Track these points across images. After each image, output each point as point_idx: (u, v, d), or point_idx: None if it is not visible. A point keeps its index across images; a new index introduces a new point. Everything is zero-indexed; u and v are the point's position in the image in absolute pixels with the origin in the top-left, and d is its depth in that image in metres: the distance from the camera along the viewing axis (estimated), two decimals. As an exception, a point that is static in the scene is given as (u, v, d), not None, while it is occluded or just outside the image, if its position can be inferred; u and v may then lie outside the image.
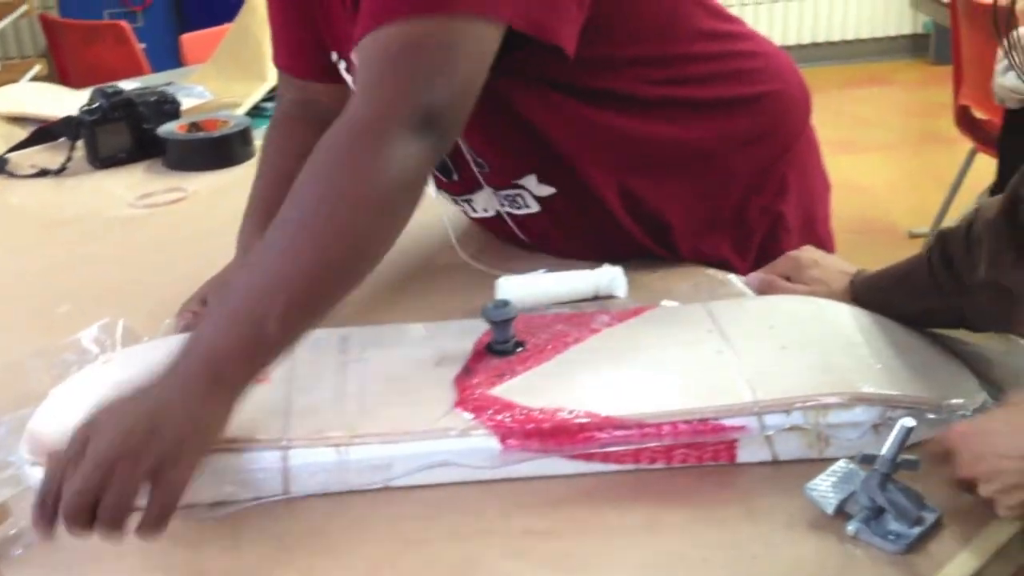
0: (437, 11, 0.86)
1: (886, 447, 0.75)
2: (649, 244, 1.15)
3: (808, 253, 1.06)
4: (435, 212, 1.16)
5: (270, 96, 2.21)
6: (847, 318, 0.96)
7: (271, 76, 2.23)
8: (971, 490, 0.76)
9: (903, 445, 0.74)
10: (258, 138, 1.62)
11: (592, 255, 1.14)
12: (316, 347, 0.93)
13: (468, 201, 1.18)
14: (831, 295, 1.00)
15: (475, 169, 1.12)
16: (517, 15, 0.89)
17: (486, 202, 1.17)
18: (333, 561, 0.76)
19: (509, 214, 1.16)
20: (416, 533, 0.79)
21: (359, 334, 0.97)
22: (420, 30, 0.86)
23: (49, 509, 0.72)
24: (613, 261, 1.12)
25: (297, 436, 0.82)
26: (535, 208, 1.13)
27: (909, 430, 0.74)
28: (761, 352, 0.90)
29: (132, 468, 0.71)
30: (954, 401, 0.84)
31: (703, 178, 1.13)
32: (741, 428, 0.83)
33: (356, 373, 0.90)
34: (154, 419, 0.73)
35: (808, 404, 0.83)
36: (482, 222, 1.22)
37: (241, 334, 0.77)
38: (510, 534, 0.78)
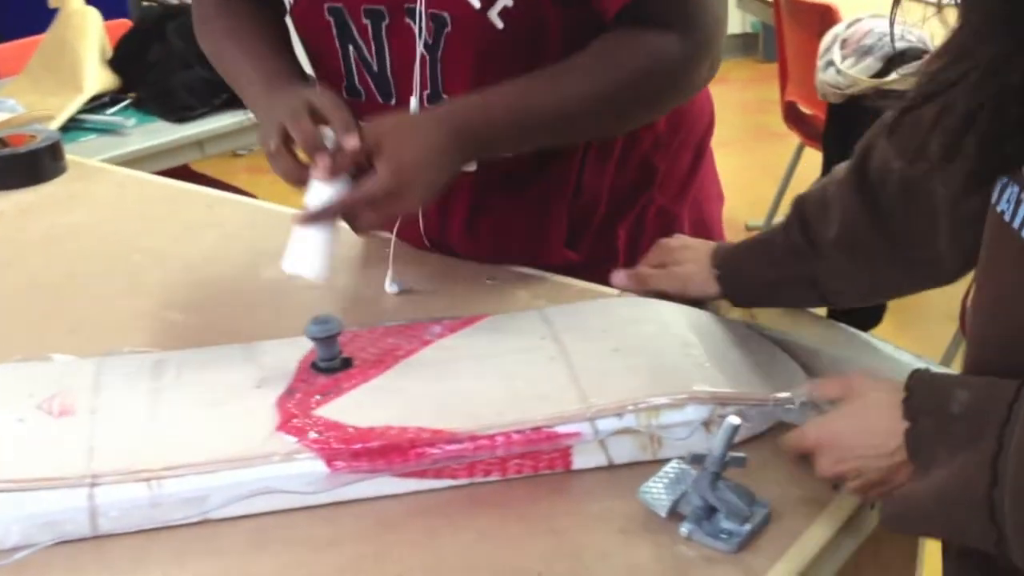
0: None
1: (714, 446, 0.74)
2: (554, 231, 1.12)
3: (676, 240, 1.06)
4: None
5: (87, 108, 2.11)
6: (679, 318, 0.96)
7: (88, 87, 2.13)
8: (836, 487, 0.77)
9: (731, 443, 0.74)
10: (70, 152, 1.53)
11: (473, 249, 1.12)
12: (125, 374, 0.88)
13: None
14: (700, 273, 1.00)
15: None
16: None
17: None
18: (146, 605, 0.71)
19: None
20: (238, 567, 0.74)
21: (175, 358, 0.91)
22: None
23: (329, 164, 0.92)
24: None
25: (104, 472, 0.77)
26: (473, 166, 1.06)
27: (736, 427, 0.74)
28: (594, 356, 0.89)
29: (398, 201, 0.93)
30: (782, 395, 0.85)
31: (631, 165, 1.13)
32: (575, 435, 0.81)
33: (169, 400, 0.84)
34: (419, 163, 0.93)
35: (640, 406, 0.82)
36: None
37: (501, 126, 0.98)
38: (339, 560, 0.75)
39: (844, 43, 2.31)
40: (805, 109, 3.00)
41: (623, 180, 1.13)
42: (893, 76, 2.21)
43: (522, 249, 1.13)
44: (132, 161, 1.96)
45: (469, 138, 0.96)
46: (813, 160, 2.92)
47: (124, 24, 2.40)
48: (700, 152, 1.20)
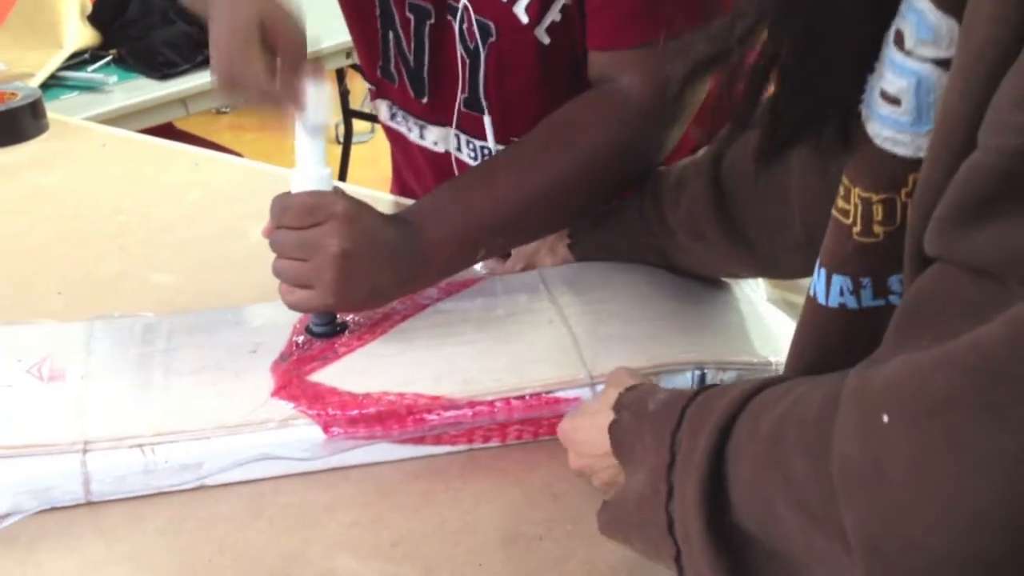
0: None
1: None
2: None
3: None
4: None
5: (67, 65, 2.07)
6: (680, 282, 0.94)
7: (68, 43, 2.09)
8: None
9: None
10: (52, 110, 1.50)
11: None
12: (116, 338, 0.86)
13: (421, 127, 1.08)
14: (553, 250, 0.99)
15: (486, 127, 1.00)
16: None
17: (445, 139, 1.06)
18: (140, 570, 0.70)
19: (459, 160, 1.07)
20: (233, 533, 0.73)
21: (166, 322, 0.89)
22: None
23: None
24: None
25: (96, 438, 0.75)
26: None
27: (739, 393, 0.73)
28: (594, 320, 0.88)
29: (318, 265, 0.81)
30: (778, 359, 0.84)
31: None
32: (576, 400, 0.81)
33: (162, 365, 0.83)
34: (367, 256, 0.81)
35: (641, 372, 0.81)
36: (417, 151, 1.10)
37: (455, 253, 0.87)
38: (336, 527, 0.74)
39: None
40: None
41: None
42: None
43: None
44: (115, 119, 1.92)
45: (419, 243, 0.85)
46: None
47: (103, -21, 2.35)
48: None
